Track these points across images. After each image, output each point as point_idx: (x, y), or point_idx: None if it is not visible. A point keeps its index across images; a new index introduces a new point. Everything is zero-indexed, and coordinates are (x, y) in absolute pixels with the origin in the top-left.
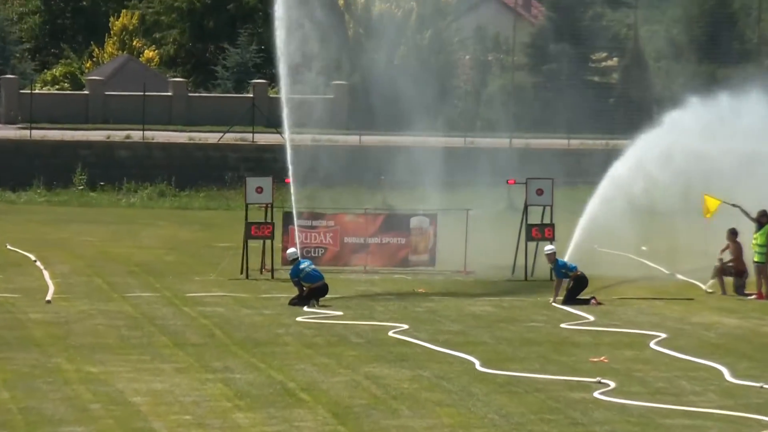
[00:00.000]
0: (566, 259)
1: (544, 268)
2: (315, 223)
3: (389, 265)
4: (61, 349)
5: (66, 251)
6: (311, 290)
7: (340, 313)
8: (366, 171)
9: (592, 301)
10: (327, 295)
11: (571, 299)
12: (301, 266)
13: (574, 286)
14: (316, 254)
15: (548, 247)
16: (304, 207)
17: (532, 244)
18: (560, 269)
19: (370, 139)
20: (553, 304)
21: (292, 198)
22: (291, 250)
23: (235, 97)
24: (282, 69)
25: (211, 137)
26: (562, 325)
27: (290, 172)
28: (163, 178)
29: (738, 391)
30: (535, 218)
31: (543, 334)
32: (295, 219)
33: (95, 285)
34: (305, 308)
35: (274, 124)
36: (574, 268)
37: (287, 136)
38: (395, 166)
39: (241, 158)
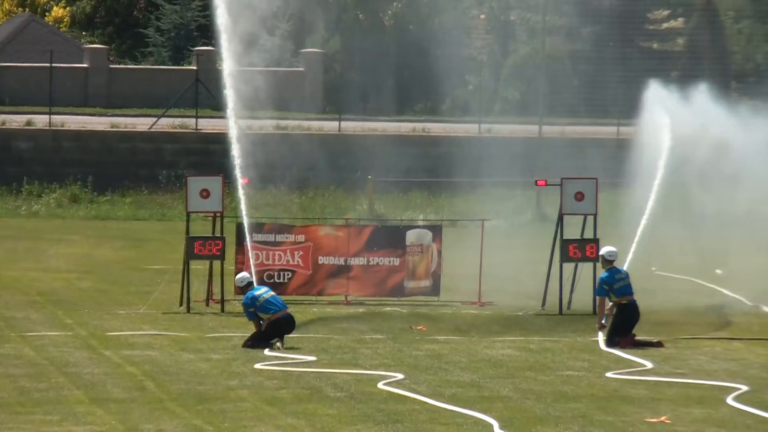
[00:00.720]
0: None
1: (585, 298)
2: (279, 238)
3: (378, 295)
4: None
5: None
6: (272, 324)
7: (312, 358)
8: (347, 168)
9: (656, 344)
10: (294, 333)
11: (615, 338)
12: (257, 292)
13: (619, 318)
14: (281, 280)
15: (608, 249)
16: (264, 217)
17: (569, 267)
18: (602, 284)
19: (353, 126)
20: (602, 346)
21: (244, 205)
22: (241, 275)
23: (172, 70)
24: (222, 26)
25: (141, 123)
26: (609, 374)
27: (237, 168)
28: (77, 178)
29: None
30: (573, 231)
31: (584, 386)
32: (247, 234)
33: None
34: (266, 351)
35: (225, 106)
36: (625, 291)
37: (232, 123)
38: (387, 162)
39: (181, 151)
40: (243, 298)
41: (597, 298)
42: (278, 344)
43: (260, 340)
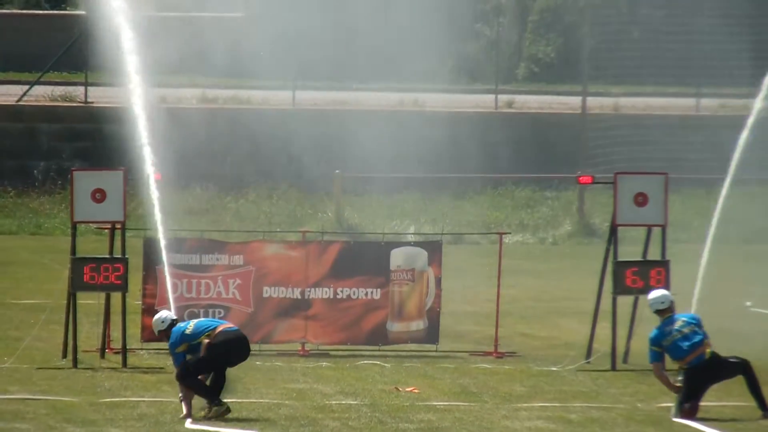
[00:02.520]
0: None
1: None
2: (207, 259)
3: (350, 342)
4: None
5: None
6: (215, 348)
7: None
8: (305, 159)
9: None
10: (230, 396)
11: (687, 404)
12: (182, 324)
13: (690, 380)
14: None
15: (654, 296)
16: (184, 229)
17: (625, 301)
18: (651, 346)
19: (314, 97)
20: (673, 416)
21: (158, 211)
22: (161, 314)
23: (49, 16)
24: None
25: (3, 94)
26: None
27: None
28: None
29: None
30: (630, 250)
31: None
32: (163, 253)
33: None
34: (188, 424)
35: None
36: (682, 348)
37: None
38: (363, 150)
39: (64, 134)
40: (169, 341)
41: (652, 366)
42: (217, 408)
43: (193, 386)
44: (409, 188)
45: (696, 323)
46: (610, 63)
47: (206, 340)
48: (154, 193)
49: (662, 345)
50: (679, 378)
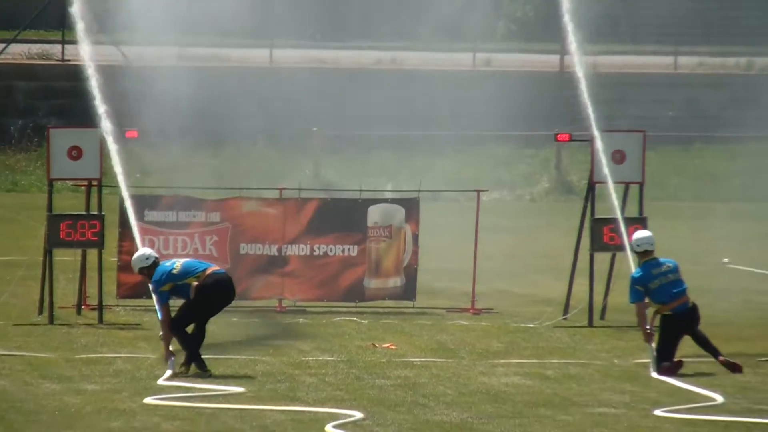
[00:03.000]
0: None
1: (626, 301)
2: (184, 216)
3: (327, 298)
4: None
5: None
6: (204, 289)
7: (240, 389)
8: (283, 117)
9: (732, 366)
10: (206, 353)
11: (663, 358)
12: (168, 263)
13: (664, 336)
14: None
15: (639, 236)
16: (161, 186)
17: (602, 258)
18: (633, 285)
19: (292, 56)
20: (652, 371)
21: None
22: (143, 251)
23: None
24: None
25: None
26: (659, 412)
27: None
28: None
29: None
30: (608, 207)
31: (623, 429)
32: (130, 212)
33: None
34: (161, 380)
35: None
36: (668, 293)
37: (114, 50)
38: (340, 108)
39: (41, 92)
40: (151, 279)
41: (634, 306)
42: (183, 368)
43: (187, 321)
44: (386, 146)
45: (678, 272)
46: (587, 21)
47: (195, 282)
48: (112, 146)
49: (648, 287)
50: (659, 327)
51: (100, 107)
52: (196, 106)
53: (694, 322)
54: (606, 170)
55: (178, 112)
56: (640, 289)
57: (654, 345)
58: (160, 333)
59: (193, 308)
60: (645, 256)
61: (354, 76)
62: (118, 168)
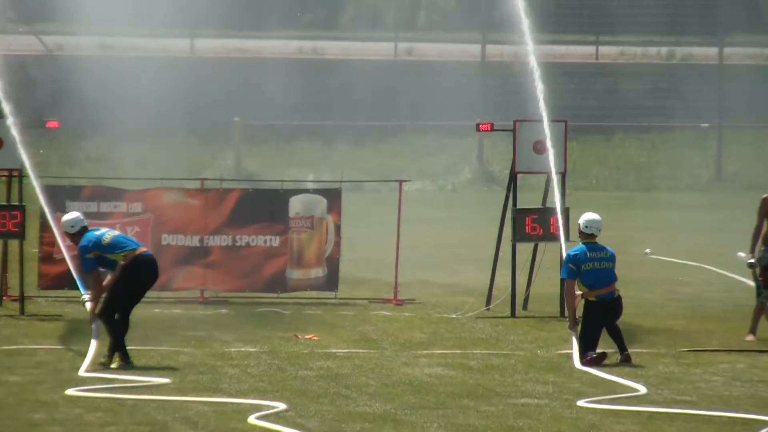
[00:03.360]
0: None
1: (549, 292)
2: (105, 207)
3: (249, 289)
4: None
5: None
6: (130, 268)
7: (163, 380)
8: (204, 107)
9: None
10: (129, 344)
11: (587, 348)
12: (97, 233)
13: (589, 318)
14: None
15: (588, 217)
16: (82, 177)
17: (524, 248)
18: (567, 262)
19: (213, 46)
20: (576, 362)
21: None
22: (72, 214)
23: None
24: None
25: None
26: (582, 402)
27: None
28: None
29: None
30: (529, 198)
31: (546, 419)
32: (43, 203)
33: None
34: (81, 371)
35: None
36: (598, 279)
37: (32, 40)
38: (262, 98)
39: None
40: (78, 244)
41: (563, 283)
42: (119, 362)
43: (115, 302)
44: (308, 136)
45: (614, 262)
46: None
47: (122, 261)
48: (16, 137)
49: (580, 267)
50: (582, 316)
51: (3, 98)
52: (117, 96)
53: (616, 313)
54: (538, 161)
55: (99, 102)
56: (573, 267)
57: (577, 335)
58: (85, 298)
59: (120, 290)
60: (588, 238)
61: (276, 66)
62: (25, 160)
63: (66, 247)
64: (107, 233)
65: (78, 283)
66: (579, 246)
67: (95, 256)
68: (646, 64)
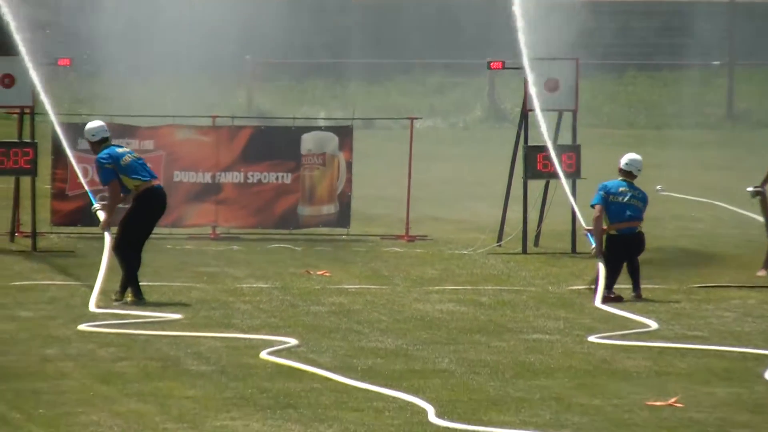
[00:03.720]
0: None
1: (560, 229)
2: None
3: (261, 225)
4: None
5: None
6: (143, 198)
7: (175, 316)
8: (214, 42)
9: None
10: (141, 279)
11: (607, 285)
12: (119, 150)
13: (611, 252)
14: (122, 204)
15: (630, 157)
16: (94, 114)
17: (536, 185)
18: (599, 190)
19: None
20: (597, 301)
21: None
22: (96, 123)
23: None
24: None
25: None
26: (593, 338)
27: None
28: None
29: None
30: (540, 135)
31: (558, 355)
32: (62, 139)
33: None
34: (91, 306)
35: None
36: (622, 214)
37: None
38: (273, 34)
39: None
40: (97, 153)
41: (594, 209)
42: (131, 298)
43: (128, 234)
44: (319, 74)
45: (645, 204)
46: None
47: (134, 190)
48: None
49: (609, 198)
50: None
51: (17, 35)
52: (127, 33)
53: (638, 248)
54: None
55: (109, 39)
56: (604, 195)
57: (602, 266)
58: (96, 207)
59: (132, 223)
60: (626, 176)
61: (289, 3)
62: (44, 97)
63: (85, 180)
64: (128, 154)
65: (89, 194)
66: (615, 181)
67: (112, 168)
68: (658, 2)
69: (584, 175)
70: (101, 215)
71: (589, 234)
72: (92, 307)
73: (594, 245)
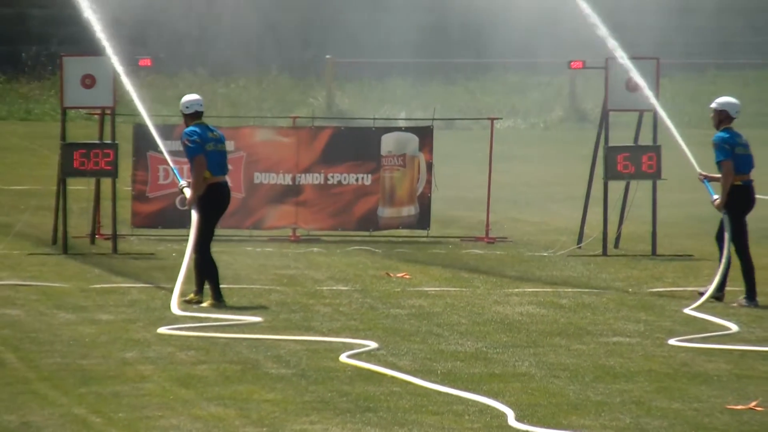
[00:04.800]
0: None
1: (640, 231)
2: None
3: (341, 227)
4: None
5: None
6: (211, 190)
7: (255, 319)
8: (295, 43)
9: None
10: (222, 282)
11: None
12: (209, 135)
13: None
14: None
15: (727, 100)
16: (174, 115)
17: (616, 186)
18: (722, 144)
19: None
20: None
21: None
22: (192, 96)
23: None
24: None
25: None
26: (674, 341)
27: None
28: None
29: None
30: (621, 135)
31: (638, 358)
32: (157, 139)
33: None
34: (174, 308)
35: None
36: (747, 165)
37: None
38: (354, 34)
39: (54, 19)
40: (184, 130)
41: (721, 165)
42: (211, 300)
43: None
44: (399, 73)
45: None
46: None
47: (208, 180)
48: (125, 77)
49: (734, 150)
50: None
51: (102, 36)
52: (207, 34)
53: (753, 200)
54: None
55: (189, 38)
56: (728, 148)
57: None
58: (183, 184)
59: (204, 219)
60: (729, 122)
61: (368, 2)
62: (135, 97)
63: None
64: (213, 142)
65: (174, 171)
66: (722, 131)
67: (199, 143)
68: (740, 0)
69: (665, 175)
70: (187, 192)
71: (705, 181)
72: (174, 309)
73: (715, 197)
